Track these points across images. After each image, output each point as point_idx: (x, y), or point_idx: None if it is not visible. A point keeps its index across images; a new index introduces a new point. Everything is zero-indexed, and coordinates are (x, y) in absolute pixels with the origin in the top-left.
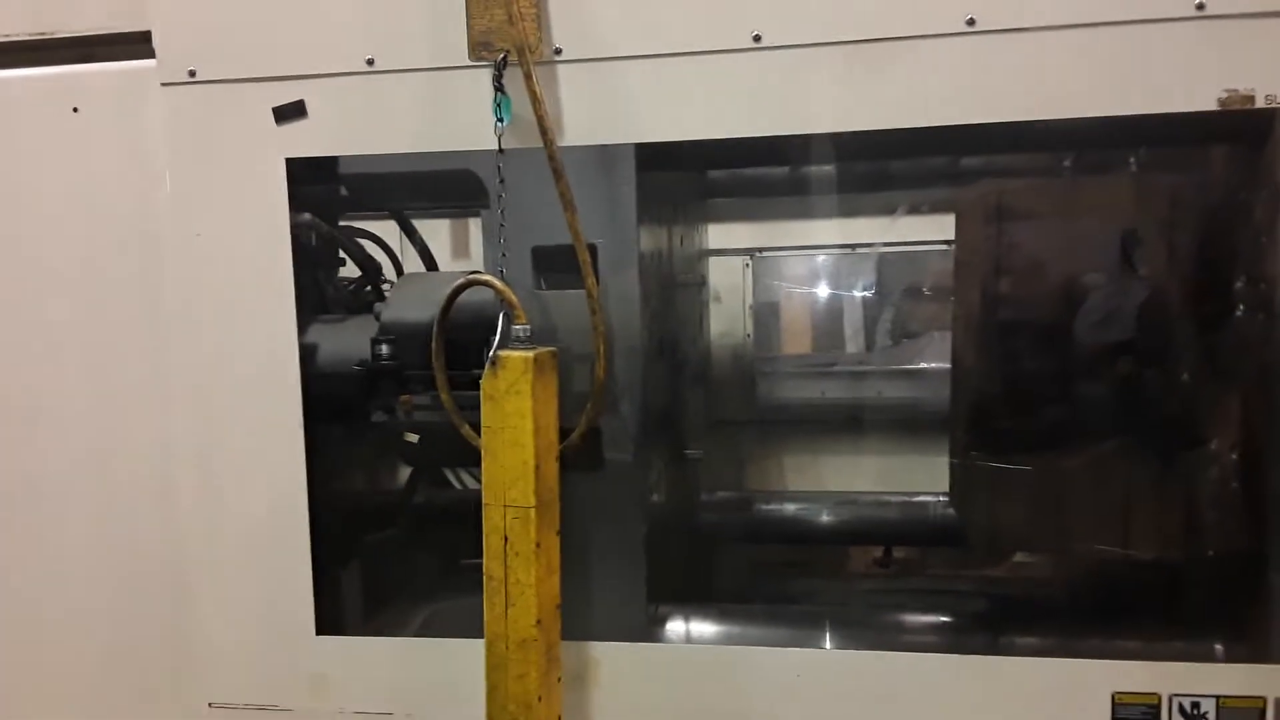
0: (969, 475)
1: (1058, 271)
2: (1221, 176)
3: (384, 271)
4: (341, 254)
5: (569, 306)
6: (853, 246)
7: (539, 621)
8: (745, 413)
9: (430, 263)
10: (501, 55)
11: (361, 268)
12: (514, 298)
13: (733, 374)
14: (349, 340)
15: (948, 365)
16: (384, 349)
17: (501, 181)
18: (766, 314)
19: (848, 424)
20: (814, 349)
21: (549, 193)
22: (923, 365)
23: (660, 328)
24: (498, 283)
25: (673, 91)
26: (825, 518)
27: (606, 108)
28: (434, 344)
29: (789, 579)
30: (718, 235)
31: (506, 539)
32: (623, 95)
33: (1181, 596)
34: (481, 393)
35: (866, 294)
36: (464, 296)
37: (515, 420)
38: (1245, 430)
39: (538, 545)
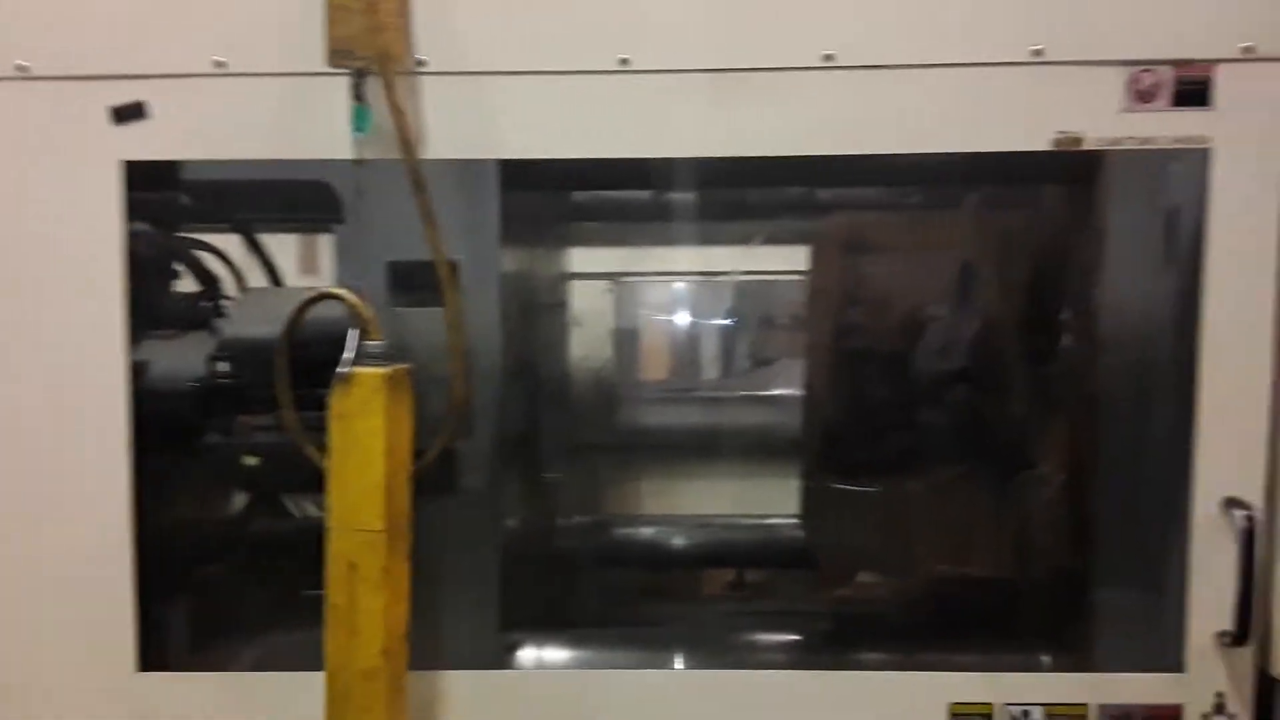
0: (818, 498)
1: (903, 302)
2: (1053, 214)
3: (224, 286)
4: (179, 267)
5: (425, 325)
6: (712, 274)
7: (385, 651)
8: (606, 437)
9: (275, 278)
10: (362, 64)
11: (201, 281)
12: (367, 312)
13: (594, 398)
14: (184, 357)
15: (800, 392)
16: (222, 366)
17: (360, 193)
18: (628, 339)
19: (704, 448)
20: (673, 374)
21: (407, 206)
22: (777, 392)
23: (520, 349)
24: (350, 296)
25: (539, 109)
26: (680, 541)
27: (470, 122)
28: (277, 360)
29: (644, 603)
30: (581, 259)
31: (352, 565)
32: (487, 110)
33: (1014, 612)
34: (330, 411)
35: (725, 321)
36: (314, 312)
37: (366, 440)
38: (1071, 456)
39: (386, 571)
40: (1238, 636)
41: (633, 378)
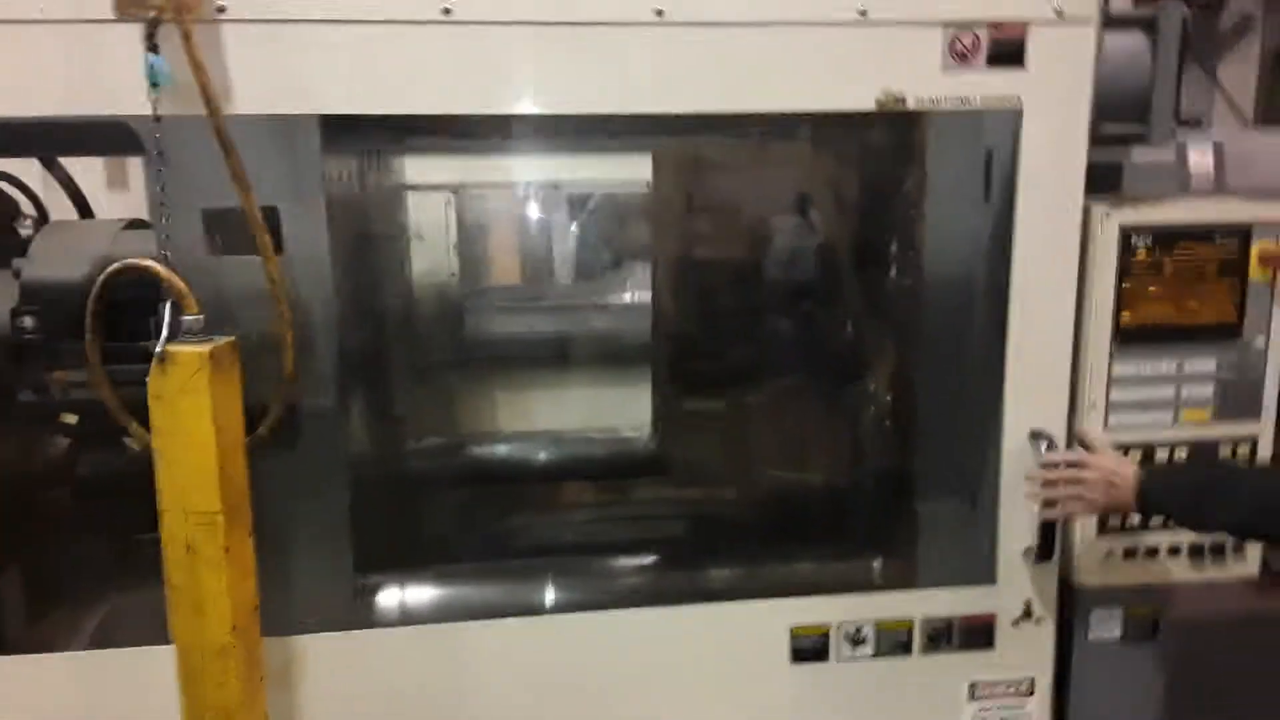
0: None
1: (748, 218)
2: (881, 149)
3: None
4: None
5: (248, 275)
6: (555, 185)
7: (235, 627)
8: (452, 353)
9: (82, 204)
10: (153, 13)
11: None
12: (182, 285)
13: (439, 314)
14: None
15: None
16: (28, 321)
17: (160, 154)
18: (471, 251)
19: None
20: (522, 283)
21: (219, 152)
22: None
23: (356, 282)
24: (160, 268)
25: (358, 61)
26: (537, 456)
27: (281, 75)
28: (89, 336)
29: (503, 519)
30: (416, 170)
31: (189, 547)
32: (299, 62)
33: (843, 520)
34: (149, 392)
35: (567, 229)
36: (117, 249)
37: (191, 422)
38: (895, 377)
39: (227, 550)
40: (1041, 553)
41: (480, 286)
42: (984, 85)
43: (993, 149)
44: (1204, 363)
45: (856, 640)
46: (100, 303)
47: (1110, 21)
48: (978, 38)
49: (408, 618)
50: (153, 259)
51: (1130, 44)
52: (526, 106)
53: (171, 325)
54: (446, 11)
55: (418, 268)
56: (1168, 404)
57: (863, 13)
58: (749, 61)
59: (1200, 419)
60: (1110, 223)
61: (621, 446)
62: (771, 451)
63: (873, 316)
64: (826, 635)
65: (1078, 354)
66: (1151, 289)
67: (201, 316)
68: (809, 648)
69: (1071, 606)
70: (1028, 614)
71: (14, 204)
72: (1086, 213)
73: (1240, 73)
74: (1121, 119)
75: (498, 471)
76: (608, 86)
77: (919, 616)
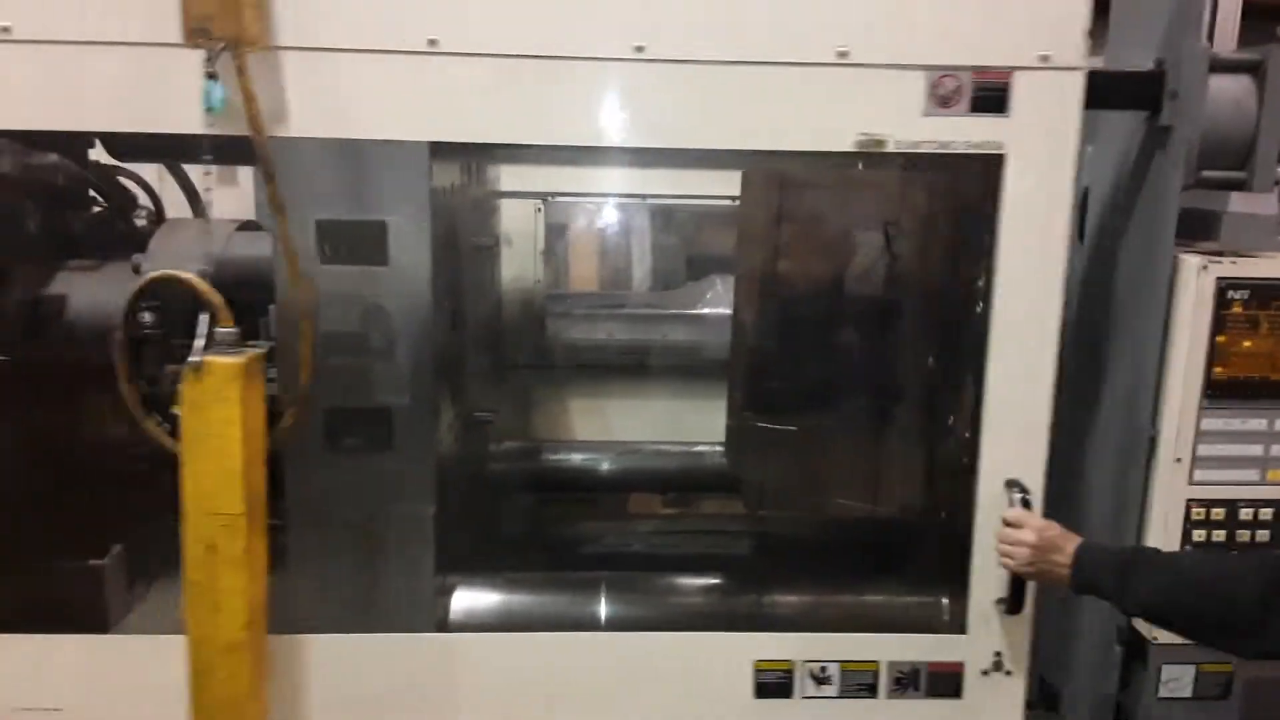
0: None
1: (834, 241)
2: (972, 183)
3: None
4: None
5: (351, 283)
6: (643, 197)
7: (248, 624)
8: (535, 358)
9: (195, 201)
10: (220, 45)
11: (113, 205)
12: (218, 298)
13: (522, 320)
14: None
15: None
16: (147, 316)
17: (209, 173)
18: (557, 258)
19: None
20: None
21: (330, 165)
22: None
23: (451, 290)
24: (198, 282)
25: (465, 95)
26: (609, 466)
27: (324, 99)
28: (119, 343)
29: (570, 526)
30: (510, 177)
31: (211, 547)
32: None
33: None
34: (183, 399)
35: (655, 241)
36: (231, 250)
37: (221, 428)
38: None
39: (247, 551)
40: (1012, 605)
41: (562, 290)
42: (966, 130)
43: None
44: None
45: (820, 679)
46: (134, 306)
47: (1216, 65)
48: (961, 82)
49: (479, 622)
50: (195, 273)
51: (1233, 87)
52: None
53: (207, 336)
54: (432, 43)
55: (506, 273)
56: (1255, 462)
57: (843, 54)
58: (727, 100)
59: None
60: (1207, 275)
61: (693, 461)
62: (841, 478)
63: (954, 350)
64: (790, 672)
65: (1157, 407)
66: (1246, 344)
67: (236, 330)
68: (772, 683)
69: (1144, 662)
70: (998, 665)
71: (132, 197)
72: (1177, 262)
73: None
74: (1223, 166)
75: (569, 478)
76: (586, 118)
77: (885, 660)
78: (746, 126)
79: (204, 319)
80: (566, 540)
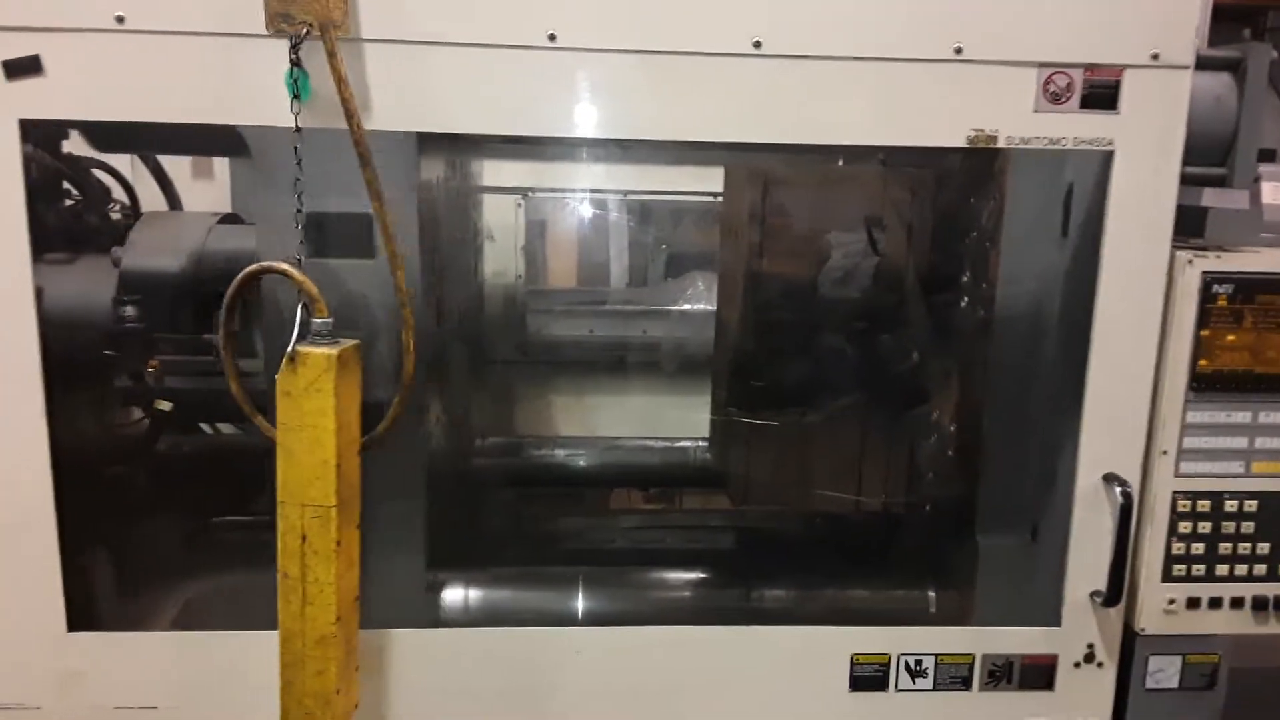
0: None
1: (818, 237)
2: (963, 178)
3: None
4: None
5: (338, 276)
6: (626, 192)
7: (339, 618)
8: (515, 353)
9: (171, 195)
10: (304, 29)
11: (89, 199)
12: (314, 289)
13: (503, 314)
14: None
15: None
16: (129, 310)
17: (299, 163)
18: (537, 254)
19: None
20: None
21: (320, 157)
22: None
23: (436, 285)
24: (295, 272)
25: (464, 82)
26: (591, 462)
27: (408, 93)
28: (223, 340)
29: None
30: (492, 172)
31: (304, 538)
32: (421, 81)
33: (899, 546)
34: (278, 388)
35: (636, 235)
36: (212, 243)
37: (315, 419)
38: (962, 408)
39: (338, 544)
40: (1110, 597)
41: (541, 286)
42: (1076, 126)
43: (1074, 184)
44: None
45: (916, 672)
46: (235, 299)
47: (1197, 63)
48: (1072, 79)
49: (469, 617)
50: (286, 261)
51: (1214, 85)
52: (622, 132)
53: (301, 327)
54: (552, 37)
55: (488, 269)
56: (1240, 454)
57: (958, 50)
58: (840, 95)
59: (1273, 470)
60: (1193, 269)
61: (677, 456)
62: (829, 472)
63: (940, 345)
64: (886, 665)
65: (1153, 399)
66: (1230, 337)
67: (331, 320)
68: (868, 676)
69: (1130, 652)
70: (1090, 657)
71: (106, 190)
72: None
73: None
74: (1203, 161)
75: (552, 474)
76: (705, 116)
77: (979, 653)
78: (857, 123)
79: (301, 309)
80: (558, 534)
